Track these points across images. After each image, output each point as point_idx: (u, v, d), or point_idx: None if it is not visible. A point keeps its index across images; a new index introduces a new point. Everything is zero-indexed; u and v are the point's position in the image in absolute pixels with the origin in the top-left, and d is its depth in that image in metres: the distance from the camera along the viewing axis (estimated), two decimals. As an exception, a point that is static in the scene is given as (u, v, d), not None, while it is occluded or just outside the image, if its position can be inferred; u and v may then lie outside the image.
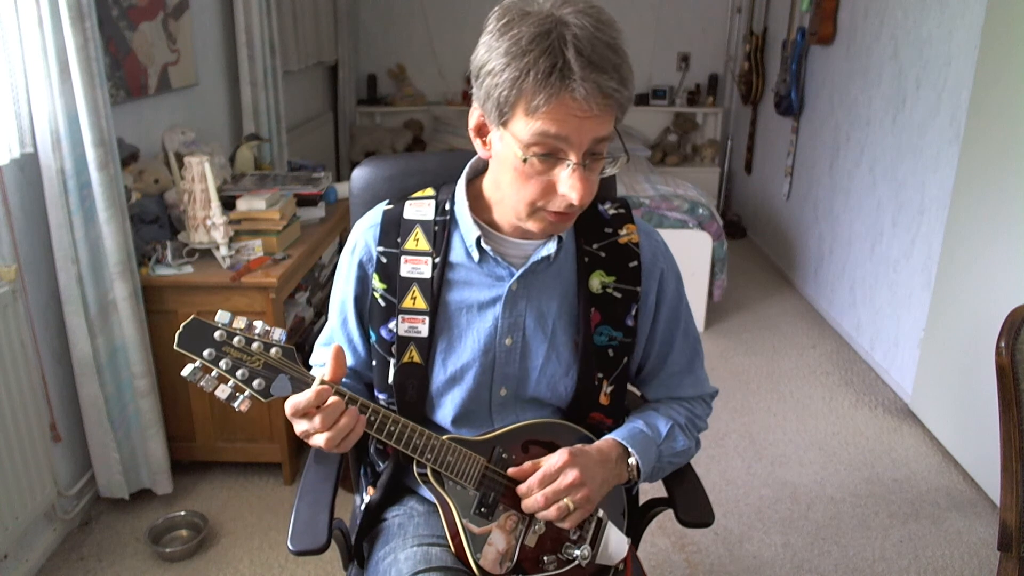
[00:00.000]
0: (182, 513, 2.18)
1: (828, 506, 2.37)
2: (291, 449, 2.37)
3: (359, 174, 1.36)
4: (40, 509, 1.95)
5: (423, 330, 1.11)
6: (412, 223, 1.14)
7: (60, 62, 1.84)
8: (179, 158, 2.40)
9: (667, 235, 3.45)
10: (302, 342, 2.66)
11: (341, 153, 5.16)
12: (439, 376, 1.12)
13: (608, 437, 1.15)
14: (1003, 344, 1.25)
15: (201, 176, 2.21)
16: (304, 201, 2.65)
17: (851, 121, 3.61)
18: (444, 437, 1.06)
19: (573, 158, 0.95)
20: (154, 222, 2.35)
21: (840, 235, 3.71)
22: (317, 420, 0.96)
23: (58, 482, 2.06)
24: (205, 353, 0.94)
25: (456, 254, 1.13)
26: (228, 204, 2.36)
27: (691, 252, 3.48)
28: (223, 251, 2.24)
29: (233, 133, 3.28)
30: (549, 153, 0.95)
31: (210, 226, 2.23)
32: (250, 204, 2.35)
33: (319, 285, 2.95)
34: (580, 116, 0.91)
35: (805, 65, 4.23)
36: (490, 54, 0.94)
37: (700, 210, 3.55)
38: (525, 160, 0.96)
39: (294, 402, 0.96)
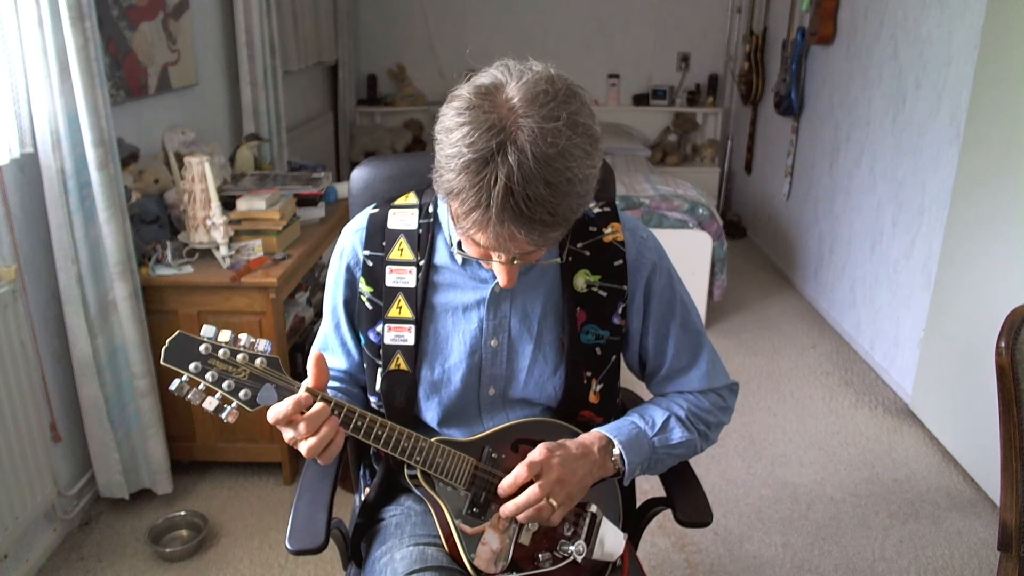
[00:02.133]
0: (182, 513, 2.18)
1: (828, 506, 2.37)
2: (291, 449, 2.36)
3: (359, 174, 1.36)
4: (40, 509, 1.95)
5: (409, 338, 1.12)
6: (396, 233, 1.15)
7: (60, 62, 1.84)
8: (179, 158, 2.40)
9: (667, 235, 3.47)
10: (302, 342, 2.67)
11: (341, 153, 5.16)
12: (426, 379, 1.13)
13: (594, 430, 1.14)
14: (1003, 344, 1.25)
15: (201, 176, 2.21)
16: (304, 201, 2.65)
17: (851, 121, 3.61)
18: (433, 439, 1.06)
19: (499, 258, 0.99)
20: (154, 222, 2.35)
21: (840, 235, 3.71)
22: (301, 427, 0.97)
23: (58, 482, 2.06)
24: (191, 367, 0.96)
25: (440, 256, 1.14)
26: (228, 204, 2.36)
27: (691, 252, 3.48)
28: (223, 251, 2.24)
29: (233, 133, 3.28)
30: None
31: (210, 226, 2.23)
32: (250, 204, 2.35)
33: (319, 285, 2.95)
34: (509, 239, 0.93)
35: (805, 65, 4.23)
36: (444, 136, 0.92)
37: (700, 210, 3.54)
38: (459, 243, 1.02)
39: (274, 411, 0.97)
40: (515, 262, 0.99)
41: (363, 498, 1.27)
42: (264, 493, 2.35)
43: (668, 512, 1.22)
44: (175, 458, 2.31)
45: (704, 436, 1.20)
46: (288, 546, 1.07)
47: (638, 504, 1.32)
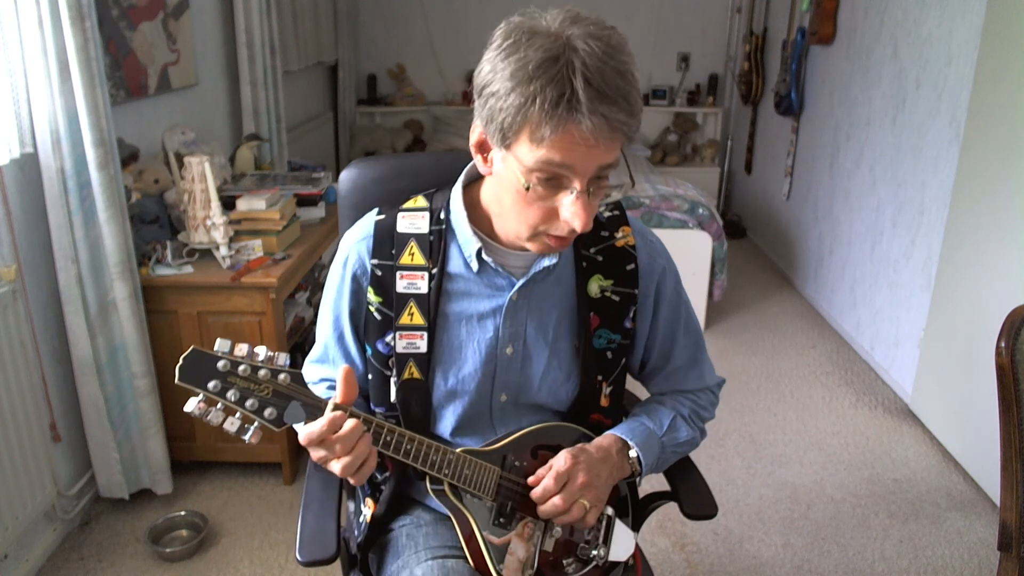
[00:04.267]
0: (182, 513, 2.18)
1: (828, 506, 2.37)
2: (291, 449, 2.37)
3: (347, 176, 1.31)
4: (40, 509, 1.95)
5: (422, 346, 1.09)
6: (406, 237, 1.11)
7: (60, 62, 1.84)
8: (179, 158, 2.40)
9: (667, 235, 3.44)
10: (302, 342, 2.67)
11: (341, 153, 5.16)
12: (440, 389, 1.11)
13: (608, 433, 1.15)
14: (1003, 344, 1.25)
15: (201, 176, 2.21)
16: (304, 201, 2.65)
17: (851, 121, 3.61)
18: (458, 450, 1.05)
19: (577, 185, 0.93)
20: (154, 222, 2.35)
21: (840, 235, 3.71)
22: (337, 447, 0.93)
23: (58, 482, 2.06)
24: (210, 385, 0.90)
25: (454, 264, 1.11)
26: (228, 204, 2.36)
27: (691, 252, 3.48)
28: (223, 251, 2.24)
29: (233, 133, 3.28)
30: (552, 178, 0.93)
31: (210, 226, 2.23)
32: (250, 204, 2.35)
33: (319, 285, 2.95)
34: (586, 146, 0.89)
35: (805, 65, 4.22)
36: (494, 75, 0.91)
37: (700, 210, 3.54)
38: (528, 188, 0.94)
39: (308, 432, 0.93)
40: (590, 191, 0.94)
41: (362, 508, 1.25)
42: (264, 493, 2.35)
43: (668, 513, 1.22)
44: (175, 458, 2.31)
45: (702, 432, 1.24)
46: (299, 557, 1.05)
47: (639, 498, 1.33)
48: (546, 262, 1.09)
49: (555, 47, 0.87)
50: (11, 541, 1.85)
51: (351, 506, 1.31)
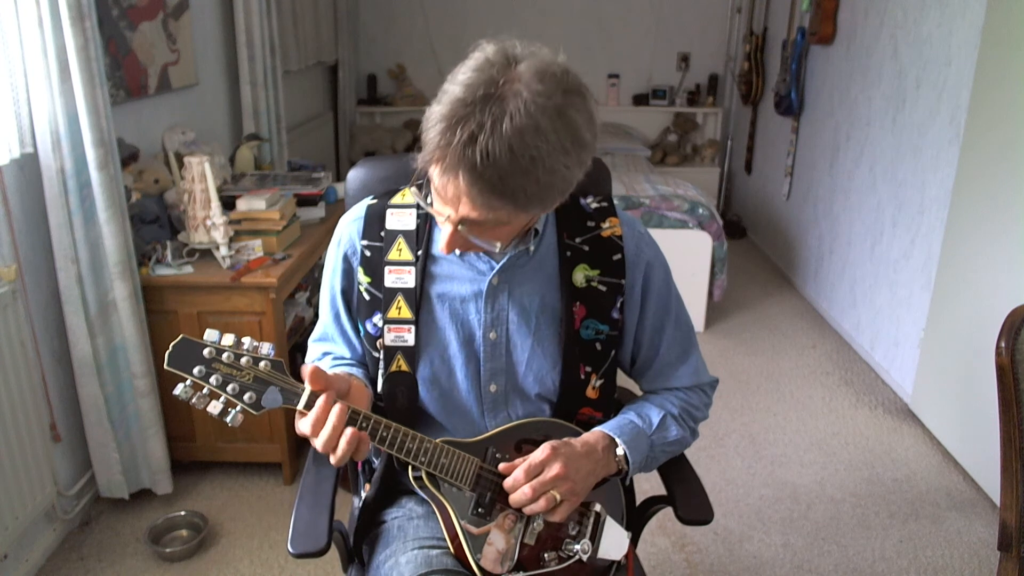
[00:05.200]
0: (182, 513, 2.18)
1: (828, 506, 2.37)
2: (291, 449, 2.37)
3: (354, 175, 1.37)
4: (40, 509, 1.95)
5: (409, 339, 1.12)
6: (395, 233, 1.15)
7: (60, 62, 1.84)
8: (179, 158, 2.40)
9: (667, 235, 3.47)
10: (302, 342, 2.66)
11: (341, 153, 5.16)
12: (426, 372, 1.13)
13: (596, 429, 1.15)
14: (1003, 344, 1.25)
15: (201, 176, 2.21)
16: (304, 201, 2.65)
17: (851, 121, 3.61)
18: (437, 440, 1.06)
19: (444, 214, 0.98)
20: (154, 222, 2.35)
21: (840, 235, 3.71)
22: (323, 433, 0.96)
23: (58, 482, 2.06)
24: (195, 370, 0.95)
25: (438, 247, 1.14)
26: (228, 204, 2.36)
27: (691, 252, 3.48)
28: (223, 251, 2.24)
29: (233, 133, 3.28)
30: (439, 196, 0.97)
31: (210, 226, 2.23)
32: (250, 204, 2.35)
33: (319, 285, 2.94)
34: (451, 191, 0.93)
35: (805, 65, 4.23)
36: (453, 75, 0.93)
37: (700, 210, 3.54)
38: (427, 196, 1.00)
39: (302, 426, 0.98)
40: (459, 227, 0.98)
41: (363, 495, 1.27)
42: (264, 493, 2.35)
43: (668, 512, 1.22)
44: (175, 458, 2.31)
45: (692, 432, 1.23)
46: (290, 549, 1.06)
47: (638, 503, 1.33)
48: (521, 245, 1.12)
49: (478, 94, 0.89)
50: (11, 541, 1.85)
51: (355, 501, 1.32)
